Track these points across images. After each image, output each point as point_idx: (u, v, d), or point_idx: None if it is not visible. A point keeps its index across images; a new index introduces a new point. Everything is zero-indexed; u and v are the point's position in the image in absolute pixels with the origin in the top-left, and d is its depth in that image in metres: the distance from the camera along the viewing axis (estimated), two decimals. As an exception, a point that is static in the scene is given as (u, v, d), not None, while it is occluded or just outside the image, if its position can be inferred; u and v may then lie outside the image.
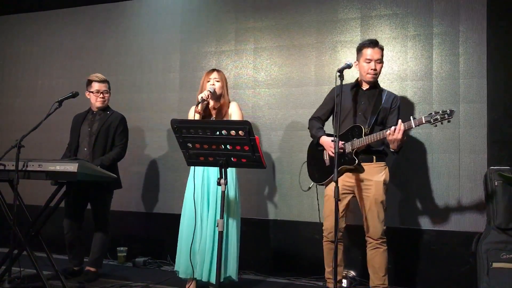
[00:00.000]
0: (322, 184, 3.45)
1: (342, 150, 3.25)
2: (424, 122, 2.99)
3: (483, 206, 3.64)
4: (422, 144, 3.90)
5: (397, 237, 3.78)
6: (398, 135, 3.02)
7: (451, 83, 3.87)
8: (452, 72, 3.87)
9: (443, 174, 3.84)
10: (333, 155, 3.30)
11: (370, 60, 3.30)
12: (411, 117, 3.03)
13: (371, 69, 3.29)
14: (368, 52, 3.30)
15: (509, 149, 3.69)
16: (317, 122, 3.54)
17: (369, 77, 3.33)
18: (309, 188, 3.58)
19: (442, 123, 2.97)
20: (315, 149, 3.51)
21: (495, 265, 3.32)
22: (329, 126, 3.58)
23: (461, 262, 3.70)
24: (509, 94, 3.74)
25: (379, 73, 3.34)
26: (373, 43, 3.31)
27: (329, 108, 3.50)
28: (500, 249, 3.35)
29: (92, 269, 3.91)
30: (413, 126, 3.02)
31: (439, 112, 2.96)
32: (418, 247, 3.88)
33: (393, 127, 3.04)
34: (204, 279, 3.41)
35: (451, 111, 2.94)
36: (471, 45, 3.83)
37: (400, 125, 3.02)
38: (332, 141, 3.26)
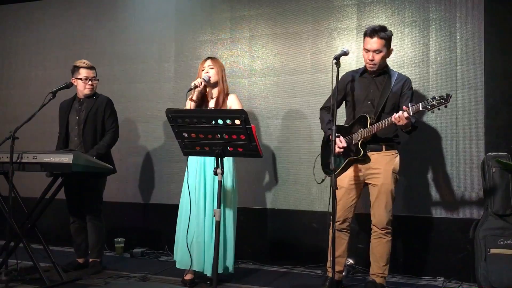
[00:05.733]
0: (335, 176, 3.40)
1: (343, 147, 3.23)
2: (421, 108, 2.96)
3: (480, 193, 3.63)
4: (420, 131, 3.85)
5: (394, 225, 3.77)
6: (402, 121, 3.00)
7: (448, 69, 3.84)
8: (449, 58, 3.84)
9: (440, 161, 3.83)
10: (337, 151, 3.28)
11: (368, 50, 3.24)
12: (410, 104, 3.01)
13: (369, 59, 3.25)
14: (367, 41, 3.24)
15: (506, 135, 3.68)
16: (327, 113, 3.45)
17: (368, 67, 3.30)
18: (323, 180, 3.54)
19: (439, 109, 2.95)
20: (326, 143, 3.48)
21: (492, 251, 3.33)
22: (340, 114, 3.52)
23: (459, 248, 3.70)
24: (507, 80, 3.72)
25: (380, 62, 3.25)
26: (372, 32, 3.19)
27: (340, 97, 3.42)
28: (497, 235, 3.35)
29: (97, 259, 3.89)
30: (411, 114, 2.99)
31: (435, 97, 2.93)
32: (415, 234, 3.88)
33: (396, 114, 3.01)
34: (201, 269, 3.40)
35: (448, 96, 2.90)
36: (468, 31, 3.80)
37: (401, 113, 2.99)
38: (328, 128, 3.25)
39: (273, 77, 4.38)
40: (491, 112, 3.72)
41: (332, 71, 3.04)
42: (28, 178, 4.34)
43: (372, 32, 3.20)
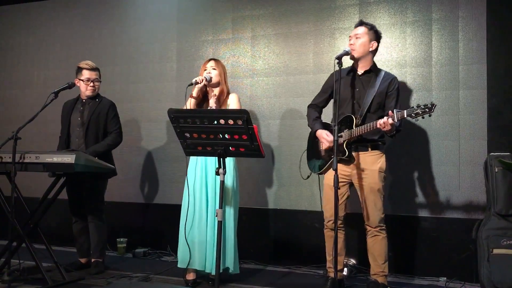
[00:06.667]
0: (320, 173, 3.44)
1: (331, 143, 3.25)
2: (405, 116, 2.97)
3: (483, 193, 3.62)
4: (422, 131, 3.88)
5: (397, 225, 3.77)
6: (387, 127, 3.03)
7: (450, 69, 3.84)
8: (452, 58, 3.84)
9: (443, 161, 3.82)
10: (325, 147, 3.32)
11: (351, 37, 3.33)
12: (395, 111, 3.02)
13: (349, 44, 3.30)
14: (353, 30, 3.35)
15: (509, 135, 3.67)
16: (314, 110, 3.52)
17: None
18: (308, 176, 3.57)
19: (423, 117, 2.96)
20: (313, 140, 3.50)
21: (495, 251, 3.32)
22: (326, 114, 3.56)
23: (462, 249, 3.70)
24: (509, 79, 3.71)
25: (358, 49, 3.27)
26: (359, 23, 3.34)
27: (327, 95, 3.51)
28: (500, 235, 3.34)
29: (100, 259, 3.89)
30: (395, 121, 3.01)
31: (420, 106, 2.94)
32: (418, 235, 3.87)
33: (381, 120, 3.04)
34: (203, 268, 3.41)
35: (432, 105, 2.92)
36: (470, 31, 3.79)
37: (387, 119, 3.01)
38: (331, 128, 3.26)
39: (275, 77, 4.38)
40: (494, 112, 3.71)
41: (334, 70, 3.04)
42: (30, 178, 4.34)
43: (359, 22, 3.35)
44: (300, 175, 3.71)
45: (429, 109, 2.91)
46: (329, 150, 3.30)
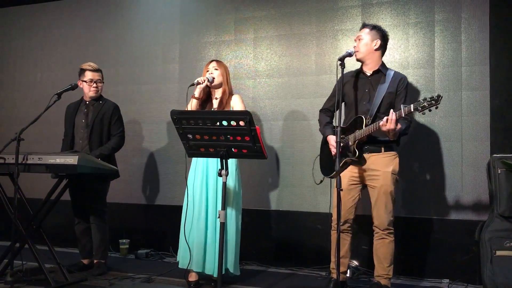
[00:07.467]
0: (332, 177, 3.42)
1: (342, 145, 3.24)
2: (412, 110, 2.93)
3: (486, 194, 3.61)
4: (424, 132, 3.87)
5: (399, 226, 3.75)
6: (391, 125, 2.98)
7: (453, 70, 3.83)
8: (454, 59, 3.83)
9: (445, 162, 3.81)
10: (334, 152, 3.30)
11: (355, 41, 3.35)
12: (402, 106, 2.99)
13: (354, 47, 3.32)
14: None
15: (512, 137, 3.67)
16: (325, 115, 3.51)
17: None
18: (321, 181, 3.54)
19: (430, 110, 2.92)
20: (325, 145, 3.49)
21: (498, 253, 3.30)
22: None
23: (464, 250, 3.68)
24: (512, 81, 3.71)
25: (363, 50, 3.29)
26: (362, 26, 3.38)
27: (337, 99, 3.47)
28: (503, 237, 3.32)
29: (102, 261, 3.90)
30: (403, 115, 2.98)
31: (426, 99, 2.91)
32: (421, 236, 3.87)
33: (385, 118, 3.01)
34: (200, 270, 3.40)
35: (438, 97, 2.87)
36: (473, 32, 3.79)
37: (391, 115, 2.98)
38: (332, 129, 3.25)
39: (277, 78, 4.38)
40: (497, 113, 3.71)
41: (336, 72, 3.04)
42: (33, 179, 4.35)
43: (361, 25, 3.40)
44: (313, 180, 3.68)
45: (435, 101, 2.87)
46: (341, 154, 3.27)
